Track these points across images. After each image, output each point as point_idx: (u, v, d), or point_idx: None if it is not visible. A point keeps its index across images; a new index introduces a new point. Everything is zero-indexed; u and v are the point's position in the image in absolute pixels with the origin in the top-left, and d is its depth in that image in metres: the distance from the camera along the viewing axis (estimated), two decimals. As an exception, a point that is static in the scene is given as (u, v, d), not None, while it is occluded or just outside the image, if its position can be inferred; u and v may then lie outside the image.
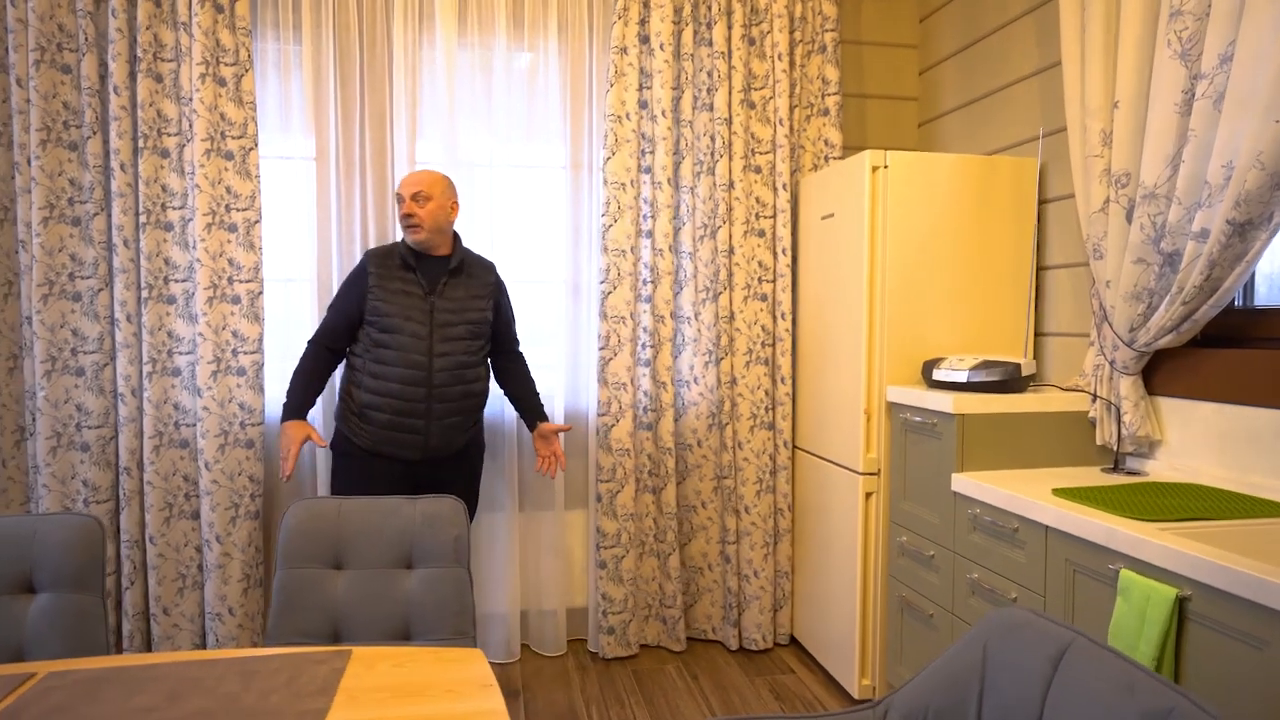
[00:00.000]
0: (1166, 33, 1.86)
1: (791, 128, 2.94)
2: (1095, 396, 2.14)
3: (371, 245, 2.74)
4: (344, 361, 2.43)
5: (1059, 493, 1.81)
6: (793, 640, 3.03)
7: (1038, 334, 2.56)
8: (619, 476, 2.84)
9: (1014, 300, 2.54)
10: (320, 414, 2.75)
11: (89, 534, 1.57)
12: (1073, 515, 1.64)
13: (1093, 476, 2.03)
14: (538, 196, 2.90)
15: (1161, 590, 1.39)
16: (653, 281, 2.87)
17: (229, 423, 2.62)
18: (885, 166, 2.43)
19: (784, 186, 2.89)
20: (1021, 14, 2.60)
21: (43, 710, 1.11)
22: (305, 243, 2.75)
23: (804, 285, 2.91)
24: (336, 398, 2.51)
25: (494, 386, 2.81)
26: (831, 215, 2.67)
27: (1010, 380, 2.18)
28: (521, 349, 2.63)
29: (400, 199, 2.34)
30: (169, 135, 2.58)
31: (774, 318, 2.94)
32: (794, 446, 3.00)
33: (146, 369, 2.56)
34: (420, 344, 2.28)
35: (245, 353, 2.64)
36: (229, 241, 2.62)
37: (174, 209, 2.60)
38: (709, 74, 2.87)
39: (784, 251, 2.90)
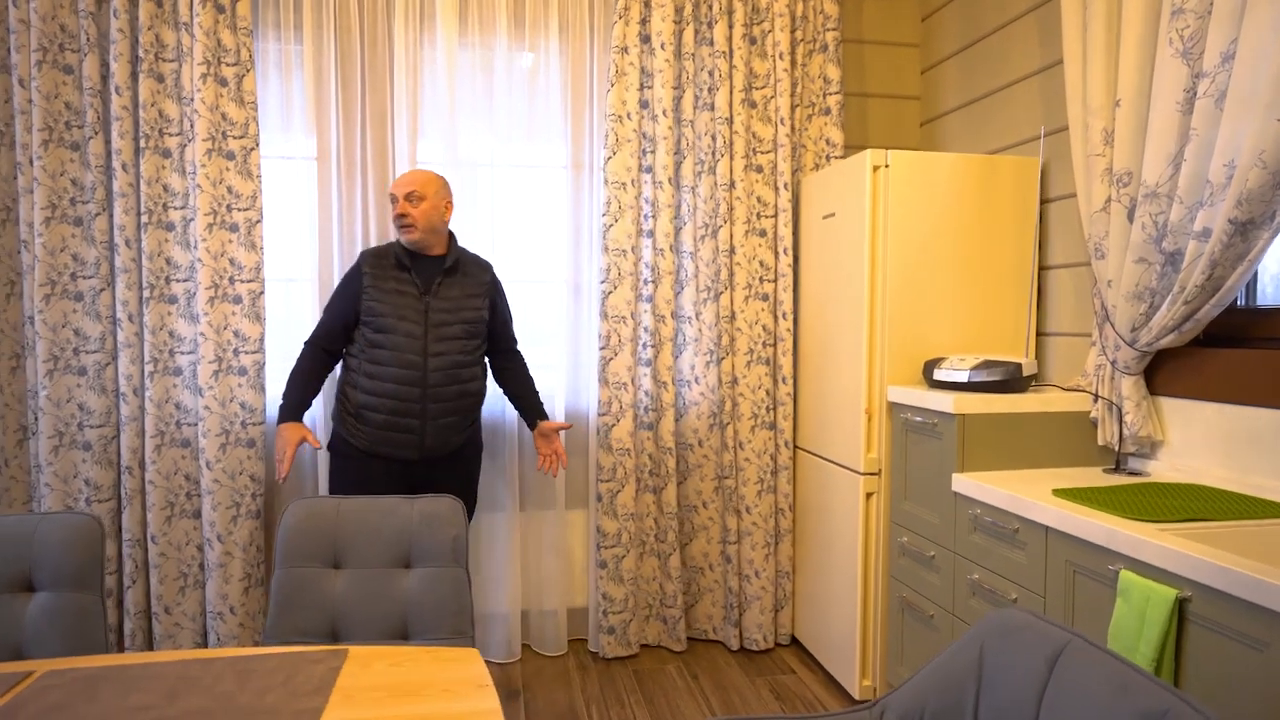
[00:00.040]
0: (1168, 31, 1.86)
1: (793, 127, 2.93)
2: (1097, 396, 2.14)
3: (373, 245, 2.74)
4: (340, 362, 2.43)
5: (1059, 493, 1.80)
6: (794, 640, 3.03)
7: (1039, 334, 2.55)
8: (619, 476, 2.84)
9: (1015, 300, 2.53)
10: (321, 415, 2.75)
11: (88, 533, 1.57)
12: (1073, 516, 1.64)
13: (1094, 477, 2.02)
14: (539, 196, 2.90)
15: (1161, 591, 1.39)
16: (654, 281, 2.86)
17: (230, 422, 2.63)
18: (886, 166, 2.42)
19: (785, 186, 2.88)
20: (1023, 13, 2.59)
21: (40, 709, 1.12)
22: (306, 243, 2.76)
23: (805, 285, 2.91)
24: (333, 399, 2.51)
25: (492, 386, 2.81)
26: (833, 215, 2.66)
27: (1011, 380, 2.18)
28: (520, 348, 2.63)
29: (394, 199, 2.34)
30: (170, 135, 2.59)
31: (775, 317, 2.94)
32: (795, 446, 2.99)
33: (148, 368, 2.57)
34: (415, 344, 2.28)
35: (246, 352, 2.64)
36: (230, 241, 2.63)
37: (175, 209, 2.61)
38: (710, 73, 2.87)
39: (785, 251, 2.90)
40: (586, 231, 2.91)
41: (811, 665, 2.83)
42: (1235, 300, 2.01)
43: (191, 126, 2.57)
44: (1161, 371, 2.06)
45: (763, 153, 2.92)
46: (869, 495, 2.48)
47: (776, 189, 2.90)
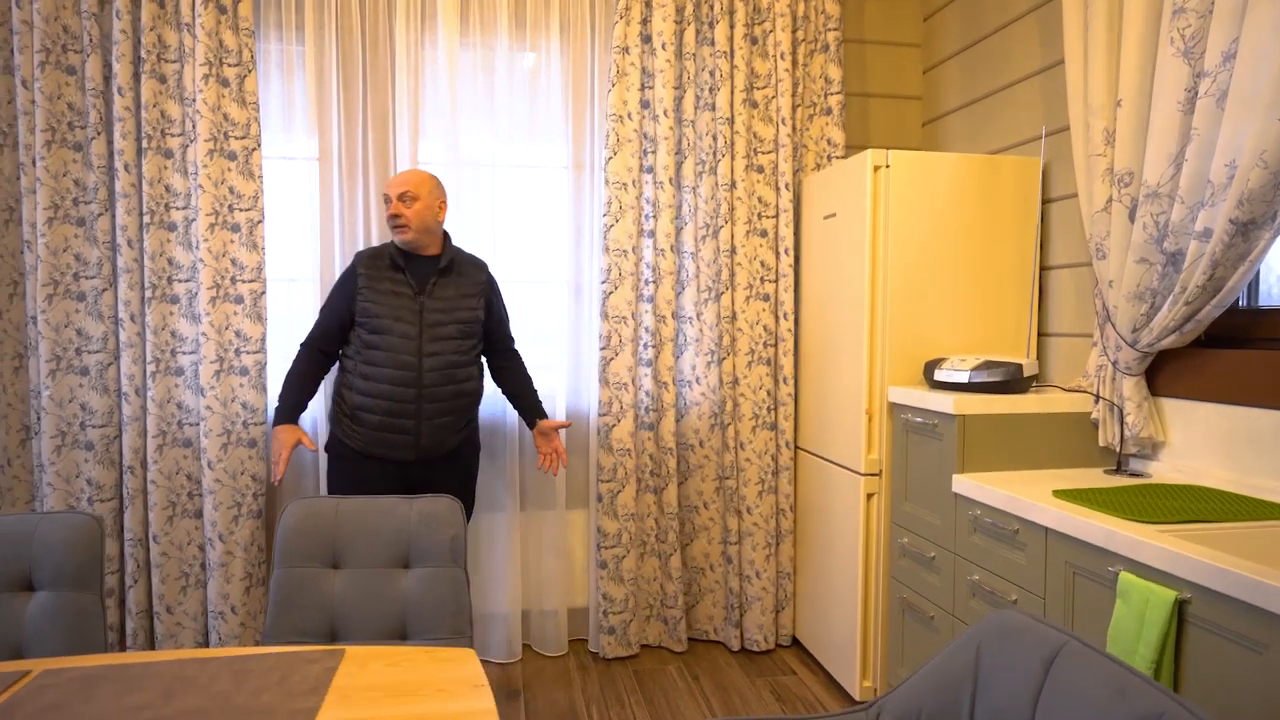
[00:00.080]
0: (1169, 30, 1.85)
1: (794, 127, 2.93)
2: (1098, 397, 2.13)
3: (375, 245, 2.75)
4: (337, 364, 2.43)
5: (1059, 494, 1.80)
6: (795, 641, 3.02)
7: (1040, 334, 2.55)
8: (620, 476, 2.84)
9: (1016, 300, 2.52)
10: (321, 416, 2.76)
11: (88, 533, 1.58)
12: (1072, 517, 1.63)
13: (1095, 478, 2.02)
14: (540, 196, 2.90)
15: (1161, 593, 1.38)
16: (654, 281, 2.86)
17: (231, 422, 2.63)
18: (887, 166, 2.42)
19: (786, 186, 2.88)
20: (1024, 12, 2.59)
21: (37, 708, 1.12)
22: (308, 243, 2.76)
23: (806, 285, 2.90)
24: (329, 400, 2.51)
25: (491, 387, 2.81)
26: (834, 215, 2.66)
27: (1012, 381, 2.17)
28: (517, 347, 2.63)
29: (387, 199, 2.34)
30: (172, 136, 2.60)
31: (776, 318, 2.94)
32: (796, 447, 2.99)
33: (150, 368, 2.58)
34: (410, 344, 2.28)
35: (248, 352, 2.65)
36: (232, 242, 2.63)
37: (177, 209, 2.62)
38: (711, 73, 2.86)
39: (786, 251, 2.89)
40: (587, 232, 2.91)
41: (812, 666, 2.83)
42: (1237, 301, 2.00)
43: (193, 127, 2.58)
44: (1163, 372, 2.05)
45: (764, 153, 2.91)
46: (870, 496, 2.47)
47: (778, 189, 2.90)
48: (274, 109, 2.72)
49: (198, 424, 2.65)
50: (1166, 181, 1.89)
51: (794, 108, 2.93)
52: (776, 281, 2.93)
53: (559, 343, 2.92)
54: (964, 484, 2.02)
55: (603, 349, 2.84)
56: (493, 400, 2.82)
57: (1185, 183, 1.82)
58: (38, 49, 2.46)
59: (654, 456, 2.91)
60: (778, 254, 2.92)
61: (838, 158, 2.94)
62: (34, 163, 2.50)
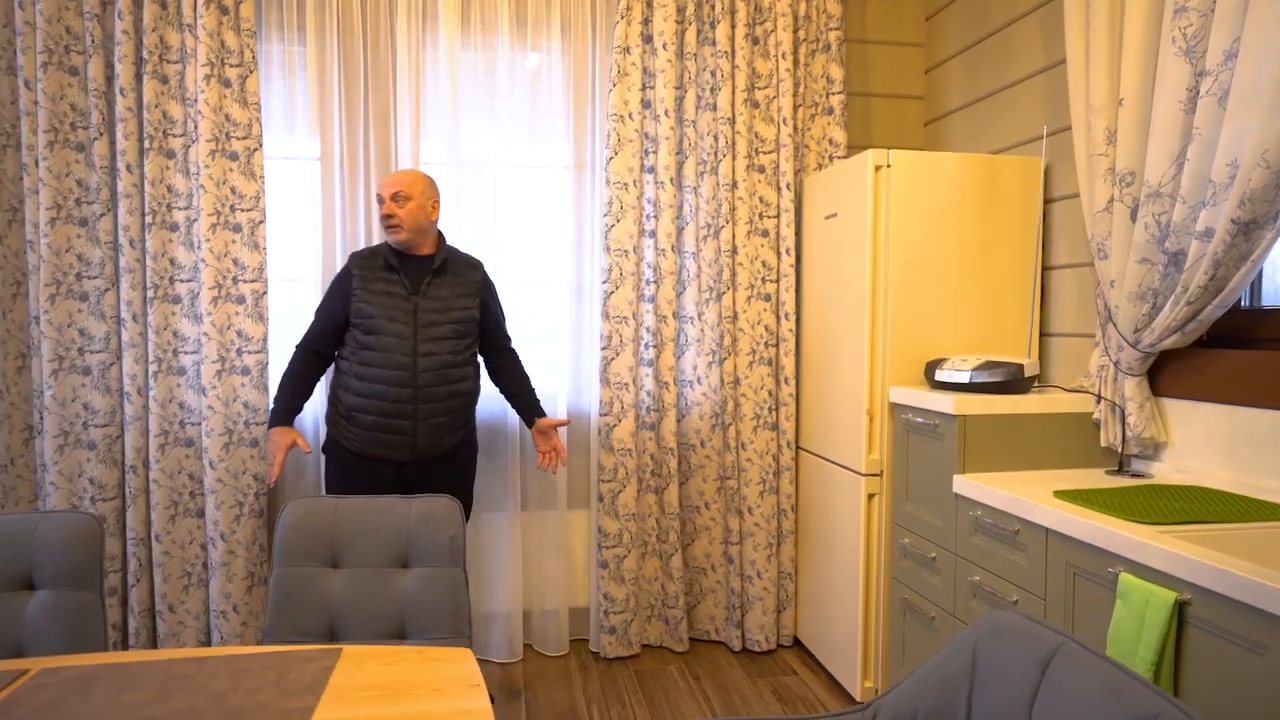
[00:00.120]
0: (1171, 29, 1.84)
1: (795, 127, 2.92)
2: (1099, 398, 2.12)
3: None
4: (332, 365, 2.43)
5: (1060, 495, 1.79)
6: (796, 642, 3.02)
7: (1042, 334, 2.54)
8: (621, 476, 2.83)
9: (1018, 300, 2.52)
10: (320, 418, 2.76)
11: (88, 532, 1.58)
12: (1072, 518, 1.62)
13: (1096, 479, 2.01)
14: (541, 196, 2.90)
15: (1161, 594, 1.37)
16: (655, 281, 2.86)
17: (233, 422, 2.64)
18: (888, 166, 2.41)
19: (788, 186, 2.88)
20: (1027, 12, 2.58)
21: (34, 707, 1.12)
22: (310, 243, 2.77)
23: (807, 285, 2.90)
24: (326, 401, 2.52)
25: (487, 387, 2.81)
26: (835, 215, 2.65)
27: (1013, 381, 2.16)
28: (518, 347, 2.62)
29: (380, 199, 2.34)
30: (174, 136, 2.60)
31: (777, 318, 2.93)
32: (797, 447, 2.98)
33: (152, 368, 2.59)
34: (404, 344, 2.28)
35: (250, 352, 2.66)
36: (234, 242, 2.64)
37: (179, 209, 2.62)
38: (712, 73, 2.86)
39: (787, 251, 2.89)
40: (588, 232, 2.91)
41: (814, 666, 2.82)
42: (1239, 301, 1.99)
43: (195, 127, 2.58)
44: (1165, 372, 2.04)
45: (765, 153, 2.91)
46: (871, 496, 2.47)
47: (779, 189, 2.90)
48: (275, 109, 2.73)
49: (199, 424, 2.66)
50: (1168, 181, 1.88)
51: (795, 107, 2.92)
52: (778, 281, 2.92)
53: (560, 343, 2.92)
54: (965, 484, 2.02)
55: (604, 349, 2.84)
56: (493, 400, 2.82)
57: (1187, 182, 1.82)
58: (40, 50, 2.47)
59: (655, 456, 2.91)
60: (779, 254, 2.91)
61: (839, 158, 2.93)
62: (37, 163, 2.51)
